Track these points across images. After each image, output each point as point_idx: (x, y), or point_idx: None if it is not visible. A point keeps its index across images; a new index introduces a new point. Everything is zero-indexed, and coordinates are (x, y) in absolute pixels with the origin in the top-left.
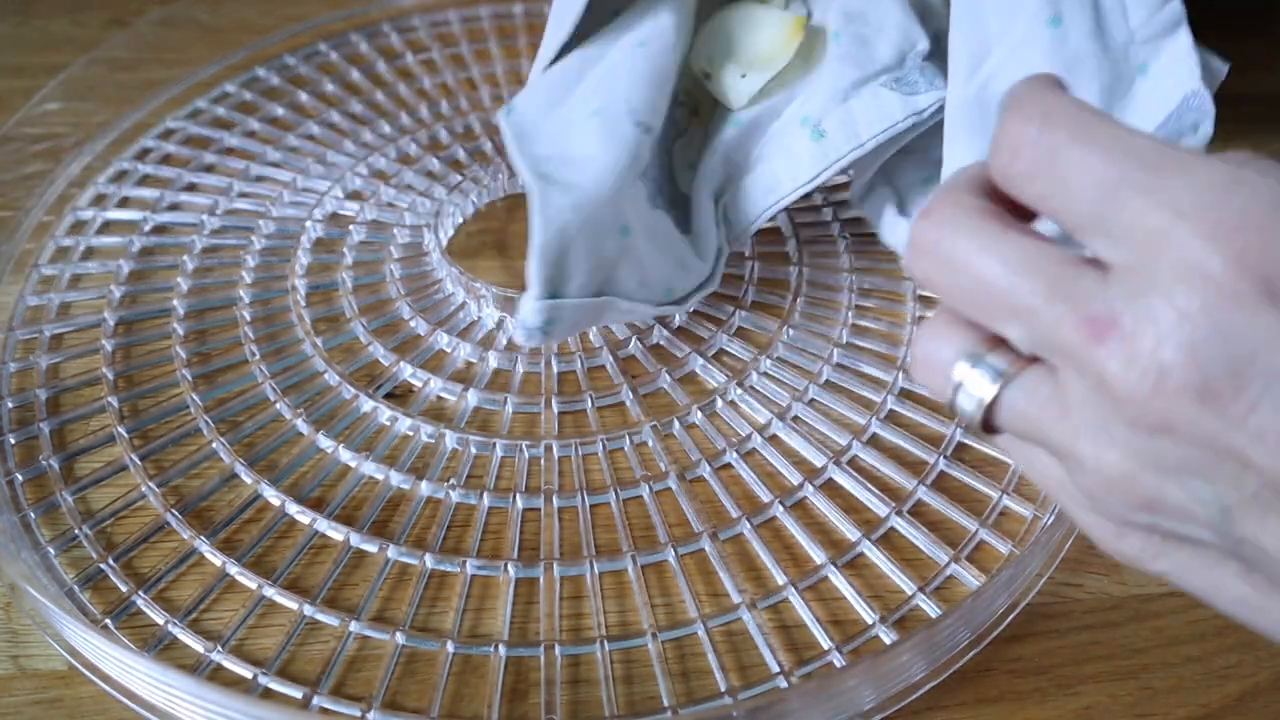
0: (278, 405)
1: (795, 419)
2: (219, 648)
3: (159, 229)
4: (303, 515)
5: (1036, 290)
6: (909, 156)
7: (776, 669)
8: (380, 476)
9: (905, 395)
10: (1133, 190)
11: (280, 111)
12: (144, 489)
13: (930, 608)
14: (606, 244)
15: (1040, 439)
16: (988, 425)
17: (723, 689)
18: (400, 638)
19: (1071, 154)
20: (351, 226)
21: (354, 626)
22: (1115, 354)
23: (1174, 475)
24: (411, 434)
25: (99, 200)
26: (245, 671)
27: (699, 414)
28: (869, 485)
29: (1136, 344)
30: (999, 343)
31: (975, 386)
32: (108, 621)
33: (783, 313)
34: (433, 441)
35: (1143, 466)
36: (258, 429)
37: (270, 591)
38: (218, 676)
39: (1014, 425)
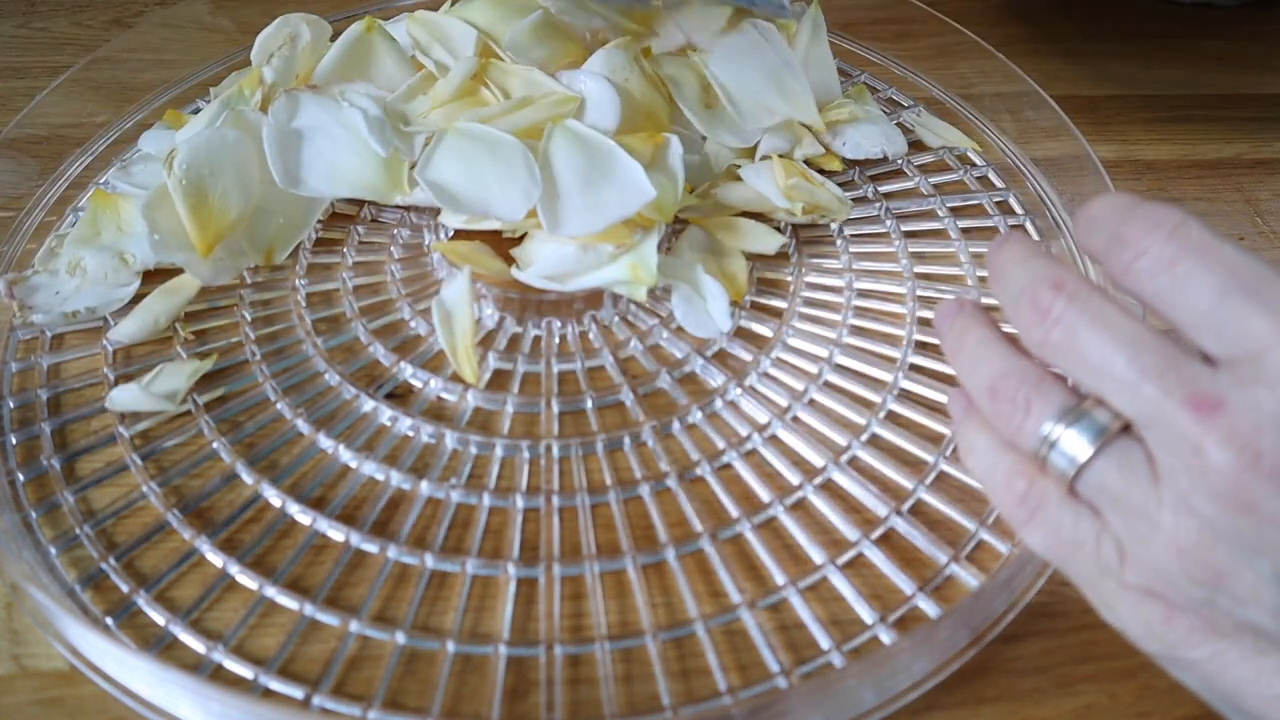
0: (278, 405)
1: (795, 419)
2: (220, 647)
3: None
4: (303, 515)
5: (1150, 365)
6: None
7: (776, 669)
8: (381, 477)
9: (905, 395)
10: (1243, 298)
11: None
12: (145, 489)
13: (930, 608)
14: None
15: (1123, 502)
16: (1070, 484)
17: (722, 689)
18: (401, 637)
19: (1193, 262)
20: (352, 226)
21: (354, 626)
22: (1217, 429)
23: (1248, 553)
24: (412, 434)
25: None
26: (246, 671)
27: (699, 414)
28: (869, 485)
29: (1238, 424)
30: (1095, 403)
31: (1072, 445)
32: (109, 621)
33: (783, 313)
34: (433, 442)
35: (1218, 539)
36: (258, 429)
37: (271, 591)
38: (219, 676)
39: (1101, 485)
